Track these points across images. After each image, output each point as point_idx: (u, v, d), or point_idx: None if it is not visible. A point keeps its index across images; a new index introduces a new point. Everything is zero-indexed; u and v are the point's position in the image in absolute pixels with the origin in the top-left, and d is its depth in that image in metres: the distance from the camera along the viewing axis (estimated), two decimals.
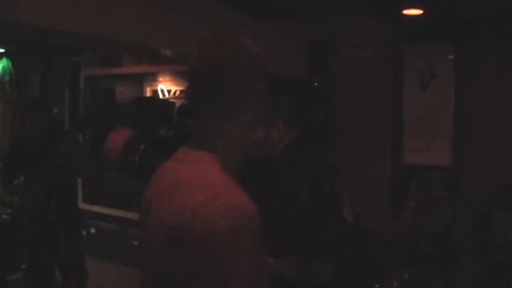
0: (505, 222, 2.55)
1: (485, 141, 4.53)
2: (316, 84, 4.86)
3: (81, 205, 5.03)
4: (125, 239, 4.76)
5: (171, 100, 5.16)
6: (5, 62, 6.40)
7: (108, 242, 4.98)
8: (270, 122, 2.85)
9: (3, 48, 6.18)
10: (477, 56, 4.61)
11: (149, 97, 5.44)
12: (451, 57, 4.69)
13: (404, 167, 4.81)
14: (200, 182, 1.30)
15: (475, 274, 2.95)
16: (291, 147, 2.86)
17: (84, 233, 5.07)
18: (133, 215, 4.48)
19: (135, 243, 4.67)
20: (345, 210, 2.79)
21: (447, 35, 4.66)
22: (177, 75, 5.38)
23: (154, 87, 5.52)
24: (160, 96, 5.39)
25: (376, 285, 3.86)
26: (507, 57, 4.49)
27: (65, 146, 4.58)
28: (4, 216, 5.51)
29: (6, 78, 6.42)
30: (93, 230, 5.13)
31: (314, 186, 2.68)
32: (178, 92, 5.49)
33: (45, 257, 4.53)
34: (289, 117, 2.94)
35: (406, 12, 4.03)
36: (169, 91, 5.45)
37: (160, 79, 5.48)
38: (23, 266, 4.85)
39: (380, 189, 4.77)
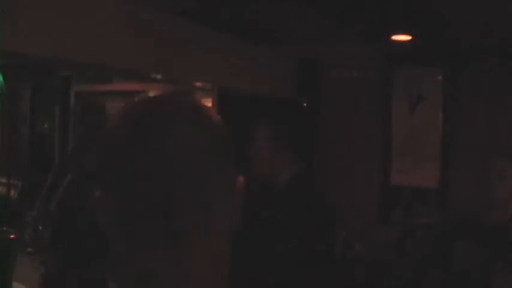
0: (466, 251, 2.60)
1: (473, 164, 4.58)
2: (305, 104, 4.91)
3: None
4: None
5: None
6: None
7: None
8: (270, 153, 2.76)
9: None
10: (465, 80, 4.68)
11: None
12: (439, 80, 4.76)
13: (392, 188, 4.86)
14: None
15: None
16: (291, 186, 2.70)
17: None
18: None
19: None
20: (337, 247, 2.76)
21: (436, 59, 4.73)
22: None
23: None
24: None
25: None
26: (495, 81, 4.56)
27: None
28: None
29: None
30: None
31: (312, 241, 2.55)
32: None
33: None
34: (286, 147, 2.84)
35: (394, 38, 4.08)
36: None
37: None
38: None
39: (368, 211, 4.82)
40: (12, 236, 4.75)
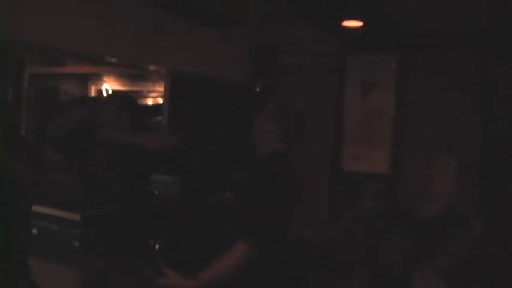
0: (392, 243, 2.62)
1: (424, 150, 4.62)
2: (258, 89, 4.91)
3: None
4: (66, 240, 4.75)
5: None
6: None
7: (49, 243, 4.96)
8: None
9: None
10: (418, 66, 4.71)
11: (93, 96, 5.44)
12: (392, 66, 4.78)
13: (344, 174, 4.88)
14: None
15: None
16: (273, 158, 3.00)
17: None
18: (74, 216, 4.48)
19: (76, 244, 4.66)
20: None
21: (388, 45, 4.75)
22: (122, 76, 5.39)
23: (99, 87, 5.52)
24: (105, 95, 5.39)
25: None
26: (447, 67, 4.59)
27: None
28: None
29: None
30: (34, 231, 5.10)
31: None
32: None
33: None
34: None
35: (345, 24, 4.09)
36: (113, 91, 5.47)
37: (105, 79, 5.49)
38: None
39: (318, 196, 4.84)
40: None
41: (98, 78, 5.44)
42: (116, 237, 3.71)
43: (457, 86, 4.54)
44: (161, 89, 5.12)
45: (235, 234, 2.90)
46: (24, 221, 4.46)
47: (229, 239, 2.89)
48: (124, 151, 3.67)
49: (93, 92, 5.47)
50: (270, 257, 2.92)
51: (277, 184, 2.91)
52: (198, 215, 4.32)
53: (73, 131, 3.68)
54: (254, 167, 3.08)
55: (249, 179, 2.98)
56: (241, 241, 2.76)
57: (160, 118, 5.08)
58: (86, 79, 5.49)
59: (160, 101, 5.28)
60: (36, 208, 4.99)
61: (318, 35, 4.55)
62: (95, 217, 3.82)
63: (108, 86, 5.35)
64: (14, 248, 4.36)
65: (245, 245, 2.76)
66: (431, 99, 4.65)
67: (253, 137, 3.10)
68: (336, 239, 4.23)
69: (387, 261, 2.57)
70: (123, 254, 3.69)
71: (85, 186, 3.89)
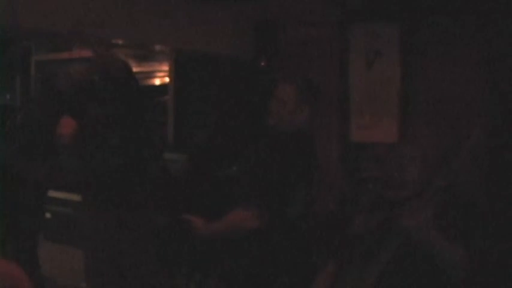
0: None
1: (431, 118, 4.61)
2: (263, 64, 4.91)
3: None
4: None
5: None
6: None
7: (62, 226, 5.01)
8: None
9: None
10: (423, 34, 4.68)
11: None
12: (396, 35, 4.75)
13: (352, 144, 4.88)
14: None
15: None
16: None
17: None
18: None
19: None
20: None
21: (391, 13, 4.72)
22: (128, 57, 5.41)
23: None
24: None
25: None
26: (452, 35, 4.56)
27: None
28: None
29: None
30: (48, 215, 5.16)
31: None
32: None
33: None
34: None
35: None
36: None
37: None
38: None
39: (328, 167, 4.83)
40: None
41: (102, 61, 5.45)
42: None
43: (464, 54, 4.51)
44: (167, 68, 5.16)
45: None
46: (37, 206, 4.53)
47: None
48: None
49: None
50: (277, 225, 2.96)
51: (295, 156, 2.97)
52: (207, 190, 4.35)
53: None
54: (266, 140, 3.12)
55: (260, 152, 3.02)
56: (251, 204, 2.82)
57: (167, 97, 5.13)
58: (92, 63, 5.51)
59: (167, 80, 5.31)
60: (50, 192, 5.06)
61: (319, 5, 4.53)
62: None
63: None
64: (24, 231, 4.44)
65: (254, 208, 2.82)
66: (437, 68, 4.62)
67: (271, 111, 3.17)
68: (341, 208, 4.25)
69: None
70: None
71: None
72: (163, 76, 5.51)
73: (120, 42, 4.51)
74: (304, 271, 3.10)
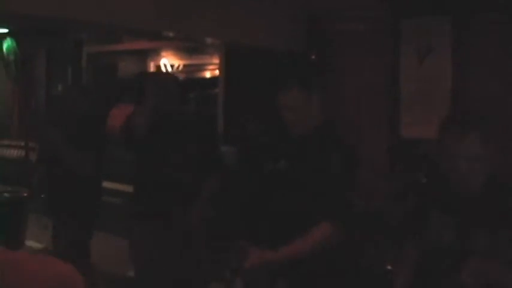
0: (441, 224, 2.55)
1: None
2: (314, 56, 4.91)
3: None
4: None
5: (175, 74, 5.25)
6: (10, 42, 6.49)
7: (112, 216, 5.09)
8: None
9: (8, 29, 6.27)
10: (475, 30, 4.62)
11: (151, 72, 5.53)
12: (448, 30, 4.69)
13: (402, 139, 4.84)
14: None
15: None
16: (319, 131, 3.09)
17: None
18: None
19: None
20: None
21: (445, 8, 4.66)
22: (179, 50, 5.46)
23: (158, 62, 5.61)
24: (164, 70, 5.48)
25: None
26: (506, 32, 4.49)
27: None
28: None
29: (12, 57, 6.52)
30: None
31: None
32: (181, 66, 5.59)
33: None
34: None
35: None
36: (172, 65, 5.55)
37: (163, 54, 5.59)
38: None
39: (378, 163, 4.81)
40: (25, 194, 4.88)
41: (156, 53, 5.53)
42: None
43: None
44: (218, 61, 5.20)
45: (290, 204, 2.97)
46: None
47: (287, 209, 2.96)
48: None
49: (151, 68, 5.57)
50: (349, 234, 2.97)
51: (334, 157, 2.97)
52: (255, 183, 4.37)
53: None
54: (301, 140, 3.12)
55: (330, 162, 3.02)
56: (326, 222, 2.83)
57: (217, 90, 5.16)
58: (144, 55, 5.59)
59: (217, 73, 5.35)
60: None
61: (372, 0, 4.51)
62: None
63: (167, 60, 5.43)
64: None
65: (330, 225, 2.83)
66: (489, 64, 4.55)
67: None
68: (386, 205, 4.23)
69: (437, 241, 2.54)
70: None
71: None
72: (214, 69, 5.55)
73: (171, 34, 4.55)
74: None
